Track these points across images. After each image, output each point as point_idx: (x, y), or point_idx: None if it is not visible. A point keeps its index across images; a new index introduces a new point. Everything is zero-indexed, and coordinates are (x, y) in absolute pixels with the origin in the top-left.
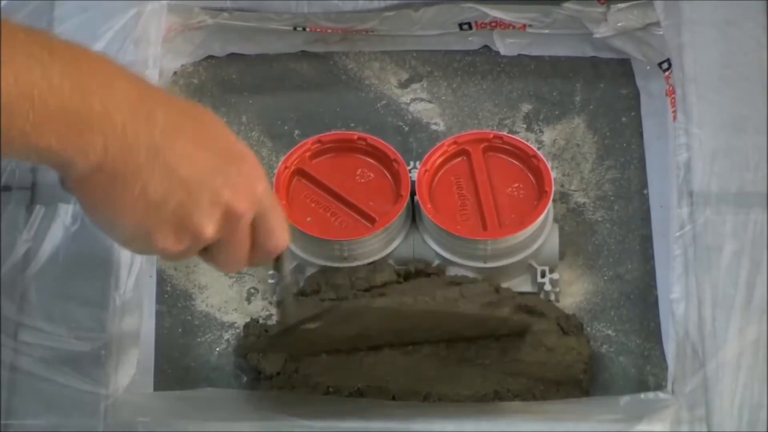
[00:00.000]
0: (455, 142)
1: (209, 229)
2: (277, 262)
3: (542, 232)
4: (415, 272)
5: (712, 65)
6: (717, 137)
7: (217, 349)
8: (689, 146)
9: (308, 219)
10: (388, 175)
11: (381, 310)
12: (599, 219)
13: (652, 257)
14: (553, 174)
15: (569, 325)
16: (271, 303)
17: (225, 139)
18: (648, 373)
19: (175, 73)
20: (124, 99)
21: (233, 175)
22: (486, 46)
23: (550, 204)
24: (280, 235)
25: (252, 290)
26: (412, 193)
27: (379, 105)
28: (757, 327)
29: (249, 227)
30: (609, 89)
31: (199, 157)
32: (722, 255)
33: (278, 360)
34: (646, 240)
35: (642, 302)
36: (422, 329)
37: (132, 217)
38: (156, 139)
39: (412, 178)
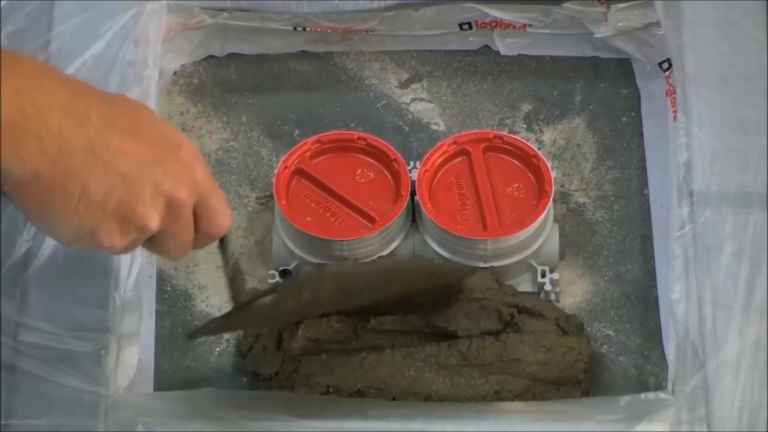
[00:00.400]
0: (455, 142)
1: (154, 220)
2: (222, 243)
3: (542, 232)
4: None
5: (712, 65)
6: (717, 137)
7: (217, 349)
8: (689, 146)
9: (308, 219)
10: (388, 175)
11: (332, 275)
12: (599, 219)
13: (653, 257)
14: (553, 174)
15: (569, 325)
16: None
17: (159, 128)
18: (648, 373)
19: (175, 73)
20: (57, 100)
21: (171, 164)
22: (486, 46)
23: (550, 204)
24: (223, 217)
25: (252, 290)
26: (412, 193)
27: (379, 105)
28: (757, 327)
29: (191, 213)
30: (609, 89)
31: (135, 150)
32: (722, 255)
33: (274, 361)
34: (647, 240)
35: (642, 302)
36: (374, 287)
37: (75, 218)
38: (92, 137)
39: (412, 178)
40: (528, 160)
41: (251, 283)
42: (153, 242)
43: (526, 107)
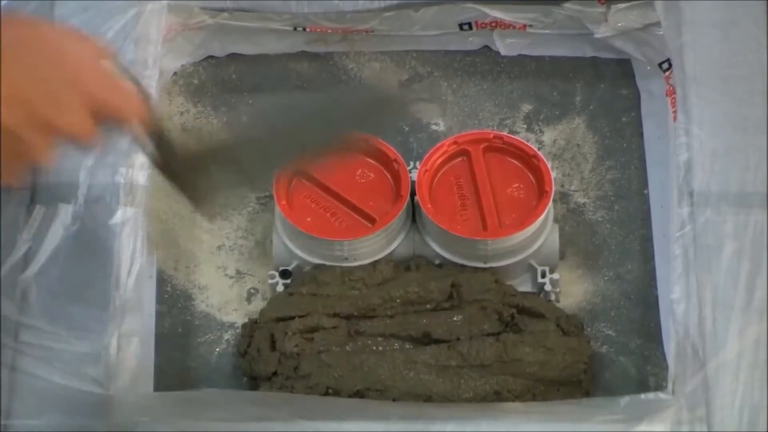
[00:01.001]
0: (455, 143)
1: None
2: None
3: (542, 233)
4: (416, 267)
5: (712, 65)
6: (717, 137)
7: (217, 349)
8: (689, 146)
9: (308, 219)
10: (388, 175)
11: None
12: (599, 219)
13: (653, 257)
14: (553, 174)
15: (570, 326)
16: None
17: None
18: (648, 374)
19: (175, 73)
20: None
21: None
22: (486, 46)
23: (550, 204)
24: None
25: (252, 290)
26: (412, 193)
27: None
28: (757, 327)
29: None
30: (609, 89)
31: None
32: (722, 255)
33: (270, 362)
34: (647, 240)
35: (642, 302)
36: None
37: None
38: None
39: (412, 179)
40: (528, 160)
41: (250, 283)
42: None
43: (526, 107)
